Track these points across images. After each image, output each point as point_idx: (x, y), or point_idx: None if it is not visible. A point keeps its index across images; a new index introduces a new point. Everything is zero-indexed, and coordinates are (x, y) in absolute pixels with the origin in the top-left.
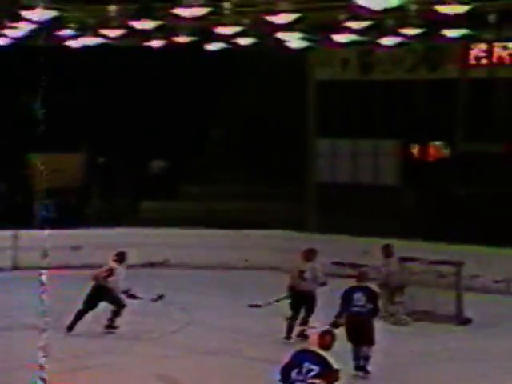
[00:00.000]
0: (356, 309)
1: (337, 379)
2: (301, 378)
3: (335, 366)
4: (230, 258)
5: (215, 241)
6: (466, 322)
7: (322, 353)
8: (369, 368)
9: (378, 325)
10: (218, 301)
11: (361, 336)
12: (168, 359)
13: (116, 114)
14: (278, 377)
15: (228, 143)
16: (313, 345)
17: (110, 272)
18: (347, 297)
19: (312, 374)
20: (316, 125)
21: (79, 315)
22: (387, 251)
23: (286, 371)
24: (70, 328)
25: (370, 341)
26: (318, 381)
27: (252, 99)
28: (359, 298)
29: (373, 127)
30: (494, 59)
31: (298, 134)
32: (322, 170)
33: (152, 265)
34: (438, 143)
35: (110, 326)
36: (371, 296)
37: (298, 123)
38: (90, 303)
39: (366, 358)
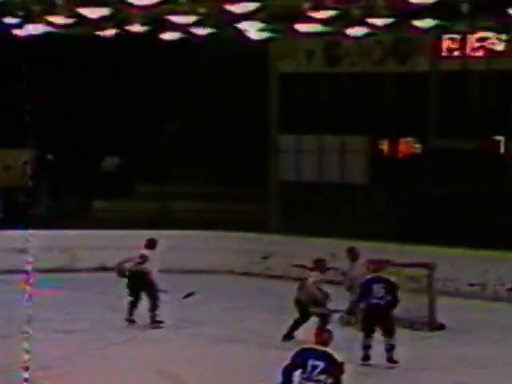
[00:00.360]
0: (375, 301)
1: (342, 372)
2: (305, 376)
3: (339, 359)
4: (187, 260)
5: (172, 243)
6: (440, 328)
7: (324, 348)
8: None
9: (344, 332)
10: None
11: (378, 327)
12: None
13: (66, 108)
14: (280, 379)
15: (185, 139)
16: (311, 343)
17: (144, 259)
18: (366, 287)
19: (318, 370)
20: (279, 120)
21: (132, 307)
22: (352, 254)
23: (287, 372)
24: (129, 320)
25: (390, 332)
26: (323, 376)
27: (211, 93)
28: (378, 289)
29: (339, 122)
30: (467, 51)
31: (260, 130)
32: (285, 168)
33: (105, 269)
34: (408, 139)
35: (154, 321)
36: (390, 287)
37: (260, 118)
38: (134, 292)
39: (392, 348)
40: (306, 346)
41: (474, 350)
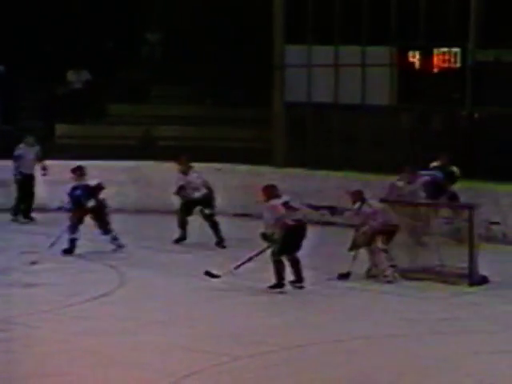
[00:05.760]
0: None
1: None
2: None
3: None
4: (174, 198)
5: (154, 176)
6: (482, 281)
7: None
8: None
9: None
10: (151, 253)
11: None
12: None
13: (22, 8)
14: None
15: (169, 50)
16: None
17: None
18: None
19: None
20: (284, 27)
21: None
22: (355, 198)
23: None
24: None
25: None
26: None
27: None
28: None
29: (360, 29)
30: None
31: (262, 39)
32: (292, 87)
33: None
34: (445, 50)
35: None
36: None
37: (262, 24)
38: None
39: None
40: None
41: None
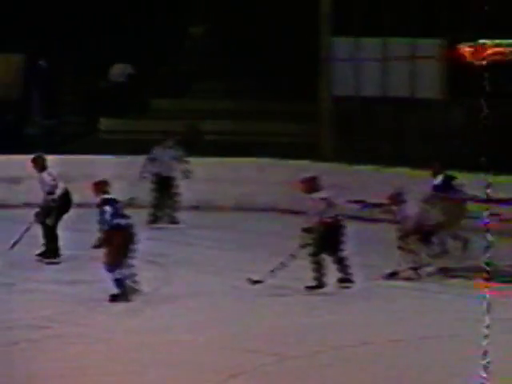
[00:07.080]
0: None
1: None
2: None
3: None
4: (218, 194)
5: (199, 172)
6: None
7: None
8: None
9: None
10: (197, 251)
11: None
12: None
13: (64, 3)
14: None
15: (213, 44)
16: None
17: None
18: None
19: None
20: (332, 19)
21: None
22: (393, 201)
23: None
24: None
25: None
26: None
27: None
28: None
29: (408, 22)
30: None
31: (309, 32)
32: (340, 80)
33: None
34: (496, 42)
35: None
36: None
37: (309, 17)
38: None
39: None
40: None
41: None
